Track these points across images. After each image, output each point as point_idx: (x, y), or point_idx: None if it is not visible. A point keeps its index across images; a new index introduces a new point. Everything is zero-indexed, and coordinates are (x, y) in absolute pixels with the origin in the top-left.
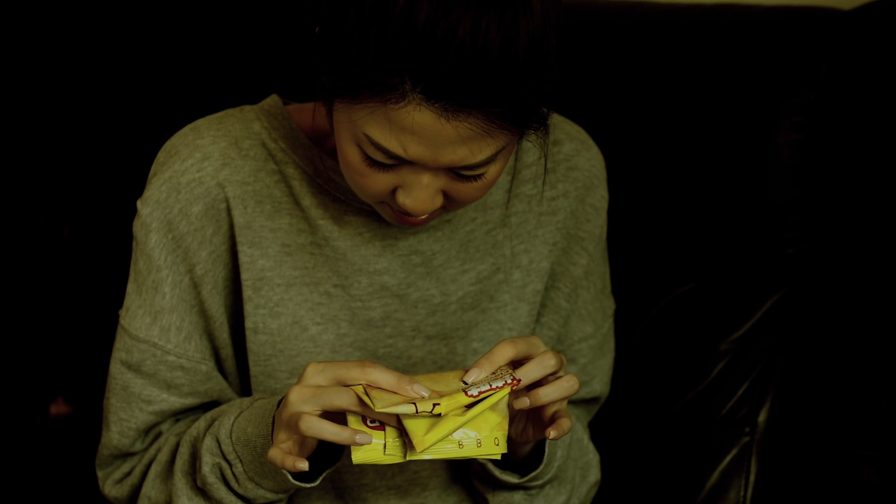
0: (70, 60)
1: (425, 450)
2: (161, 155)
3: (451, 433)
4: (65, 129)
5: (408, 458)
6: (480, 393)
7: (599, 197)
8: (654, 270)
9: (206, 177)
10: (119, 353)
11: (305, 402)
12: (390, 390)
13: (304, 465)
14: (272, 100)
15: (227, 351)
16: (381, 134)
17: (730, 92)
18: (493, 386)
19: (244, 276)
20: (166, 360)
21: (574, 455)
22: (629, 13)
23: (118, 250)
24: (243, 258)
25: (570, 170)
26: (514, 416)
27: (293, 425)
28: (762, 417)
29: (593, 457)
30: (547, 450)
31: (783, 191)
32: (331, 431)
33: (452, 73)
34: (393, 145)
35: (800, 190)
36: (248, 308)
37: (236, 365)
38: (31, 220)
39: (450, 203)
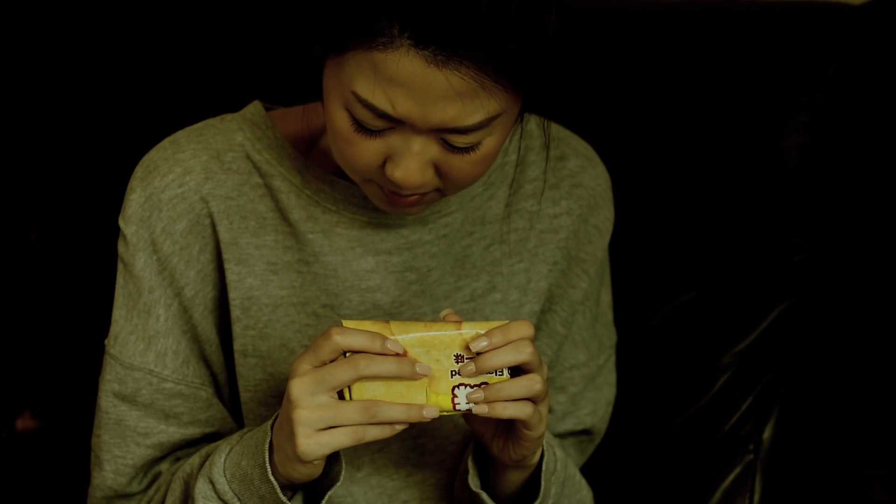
0: (39, 60)
1: None
2: (139, 170)
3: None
4: (31, 128)
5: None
6: (468, 411)
7: (604, 218)
8: (655, 278)
9: (188, 192)
10: (110, 385)
11: (310, 396)
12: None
13: (432, 413)
14: (254, 107)
15: (223, 376)
16: (369, 88)
17: (734, 91)
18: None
19: (232, 295)
20: (163, 388)
21: (568, 493)
22: (627, 7)
23: (89, 255)
24: (231, 276)
25: (575, 187)
26: (492, 432)
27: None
28: (767, 434)
29: (587, 493)
30: (543, 484)
31: (790, 195)
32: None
33: (441, 16)
34: (380, 100)
35: (807, 194)
36: (237, 329)
37: (230, 391)
38: None
39: (443, 182)
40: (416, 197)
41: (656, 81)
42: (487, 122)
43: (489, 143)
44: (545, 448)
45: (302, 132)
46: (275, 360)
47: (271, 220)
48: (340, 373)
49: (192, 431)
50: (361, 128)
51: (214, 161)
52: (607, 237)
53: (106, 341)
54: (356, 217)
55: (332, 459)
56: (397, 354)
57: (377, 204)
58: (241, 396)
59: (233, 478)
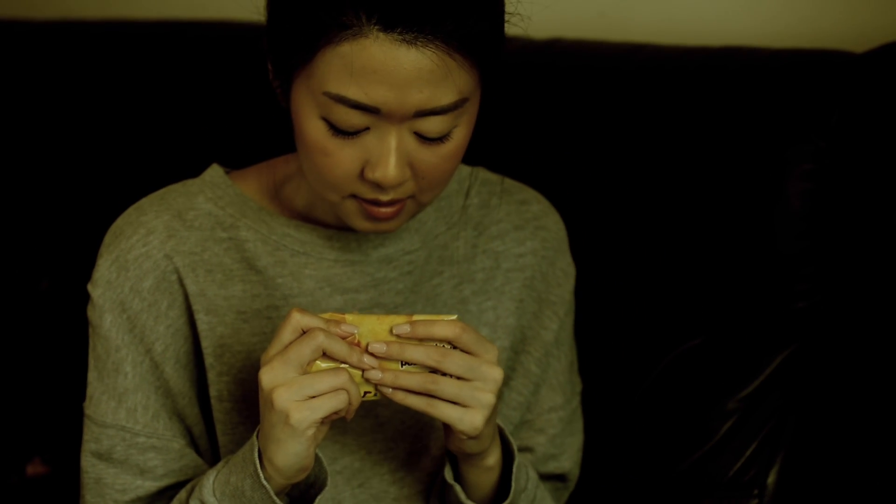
0: (45, 115)
1: None
2: (107, 237)
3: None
4: (41, 176)
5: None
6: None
7: (567, 263)
8: (659, 325)
9: (152, 250)
10: (88, 445)
11: (283, 375)
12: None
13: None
14: (213, 170)
15: (199, 427)
16: (342, 81)
17: (737, 139)
18: None
19: (204, 343)
20: (136, 443)
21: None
22: (632, 57)
23: None
24: (202, 326)
25: (539, 229)
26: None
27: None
28: (771, 479)
29: None
30: (513, 485)
31: (793, 242)
32: (327, 402)
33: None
34: (354, 91)
35: (810, 241)
36: (212, 376)
37: (208, 439)
38: (7, 270)
39: (418, 182)
40: (394, 208)
41: (660, 130)
42: (460, 104)
43: (459, 133)
44: (517, 465)
45: (262, 186)
46: (250, 403)
47: (238, 271)
48: (303, 347)
49: (168, 482)
50: (338, 132)
51: (177, 220)
52: (572, 281)
53: (84, 404)
54: (323, 257)
55: (317, 468)
56: (349, 340)
57: (356, 224)
58: (220, 440)
59: (223, 495)
